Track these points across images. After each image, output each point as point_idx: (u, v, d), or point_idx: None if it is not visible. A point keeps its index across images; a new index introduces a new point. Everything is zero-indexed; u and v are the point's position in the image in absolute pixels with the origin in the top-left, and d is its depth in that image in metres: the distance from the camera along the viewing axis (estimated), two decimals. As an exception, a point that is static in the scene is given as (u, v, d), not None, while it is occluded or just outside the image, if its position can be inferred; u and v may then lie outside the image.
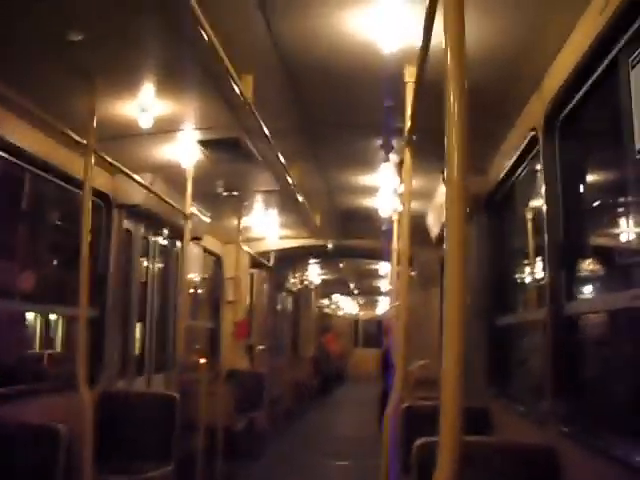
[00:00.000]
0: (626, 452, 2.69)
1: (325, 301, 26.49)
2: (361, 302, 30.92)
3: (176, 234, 7.54)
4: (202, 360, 7.42)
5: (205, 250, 9.57)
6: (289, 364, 15.45)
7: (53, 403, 4.78)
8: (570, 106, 3.60)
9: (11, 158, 4.63)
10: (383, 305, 26.75)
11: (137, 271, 7.10)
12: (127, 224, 6.71)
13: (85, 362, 4.41)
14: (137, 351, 7.16)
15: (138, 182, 5.83)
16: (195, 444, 7.09)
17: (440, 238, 7.93)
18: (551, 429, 3.55)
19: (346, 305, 30.32)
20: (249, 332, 11.45)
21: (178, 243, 7.70)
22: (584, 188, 3.80)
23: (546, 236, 3.82)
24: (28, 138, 4.64)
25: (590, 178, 3.86)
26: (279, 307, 16.41)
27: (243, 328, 10.37)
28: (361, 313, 33.45)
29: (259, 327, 12.71)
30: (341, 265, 16.78)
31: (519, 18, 3.64)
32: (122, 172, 5.49)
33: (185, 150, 5.91)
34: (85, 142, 4.38)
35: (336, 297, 27.44)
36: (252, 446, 9.93)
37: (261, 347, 12.44)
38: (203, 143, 5.78)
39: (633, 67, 2.62)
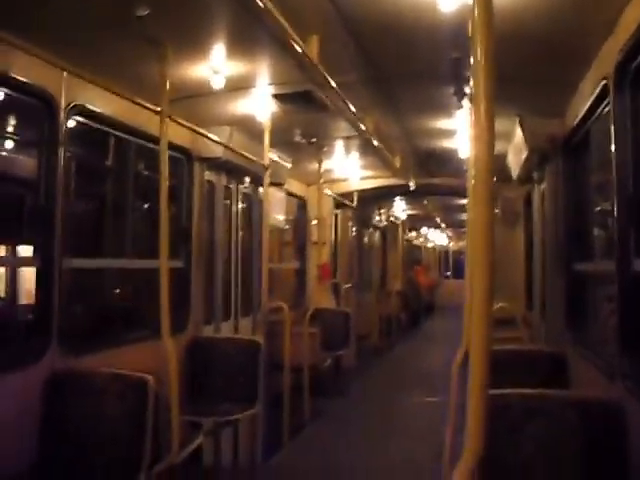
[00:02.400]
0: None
1: (413, 234, 26.51)
2: (450, 234, 30.78)
3: (258, 181, 7.74)
4: (286, 302, 7.69)
5: (289, 193, 9.74)
6: (377, 300, 15.65)
7: (145, 350, 5.11)
8: (642, 56, 3.49)
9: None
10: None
11: (220, 219, 7.34)
12: (209, 175, 6.94)
13: (168, 312, 4.67)
14: (224, 296, 7.44)
15: (213, 139, 6.06)
16: (282, 383, 7.43)
17: (521, 177, 7.83)
18: (618, 385, 3.58)
19: (435, 237, 30.23)
20: (332, 273, 11.67)
21: (261, 189, 7.88)
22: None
23: (615, 189, 3.77)
24: (114, 106, 4.93)
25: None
26: (366, 244, 16.57)
27: (326, 270, 10.59)
28: (451, 244, 33.36)
29: (344, 266, 12.91)
30: (425, 202, 16.73)
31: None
32: (197, 132, 5.70)
33: (260, 104, 6.04)
34: (159, 109, 4.59)
35: (425, 230, 27.39)
36: (339, 384, 10.26)
37: (347, 285, 12.67)
38: (277, 97, 5.88)
39: None
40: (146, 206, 6.66)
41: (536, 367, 5.08)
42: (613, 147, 3.77)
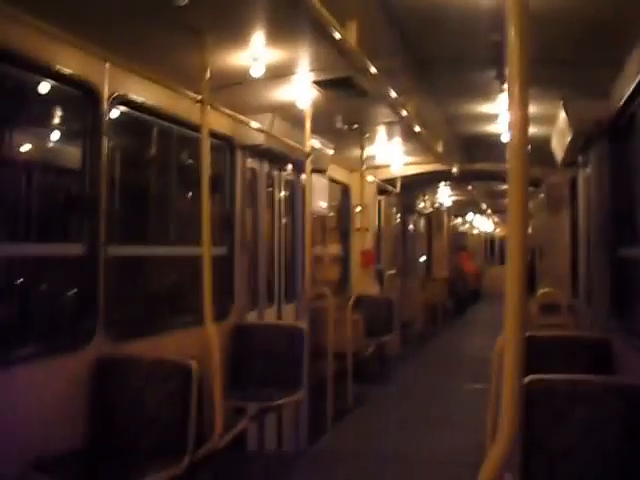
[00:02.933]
0: None
1: (459, 220, 26.30)
2: (496, 220, 30.44)
3: (300, 168, 7.76)
4: (329, 288, 7.71)
5: (331, 180, 9.74)
6: (421, 286, 15.59)
7: (189, 336, 5.18)
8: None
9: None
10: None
11: (263, 206, 7.38)
12: (251, 163, 6.98)
13: (210, 299, 4.74)
14: (267, 282, 7.48)
15: (254, 127, 6.09)
16: (325, 369, 7.46)
17: (565, 161, 7.70)
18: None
19: (481, 223, 29.94)
20: (376, 259, 11.65)
21: (303, 175, 7.90)
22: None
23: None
24: (155, 95, 5.00)
25: None
26: (411, 230, 16.50)
27: (369, 256, 10.58)
28: (497, 230, 33.01)
29: (388, 252, 12.88)
30: (470, 187, 16.57)
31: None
32: (237, 120, 5.75)
33: (301, 91, 6.04)
34: (200, 97, 4.64)
35: (470, 216, 27.15)
36: (382, 370, 10.26)
37: (391, 272, 12.64)
38: (318, 83, 5.88)
39: None
40: (190, 194, 6.73)
41: (581, 353, 5.03)
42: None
